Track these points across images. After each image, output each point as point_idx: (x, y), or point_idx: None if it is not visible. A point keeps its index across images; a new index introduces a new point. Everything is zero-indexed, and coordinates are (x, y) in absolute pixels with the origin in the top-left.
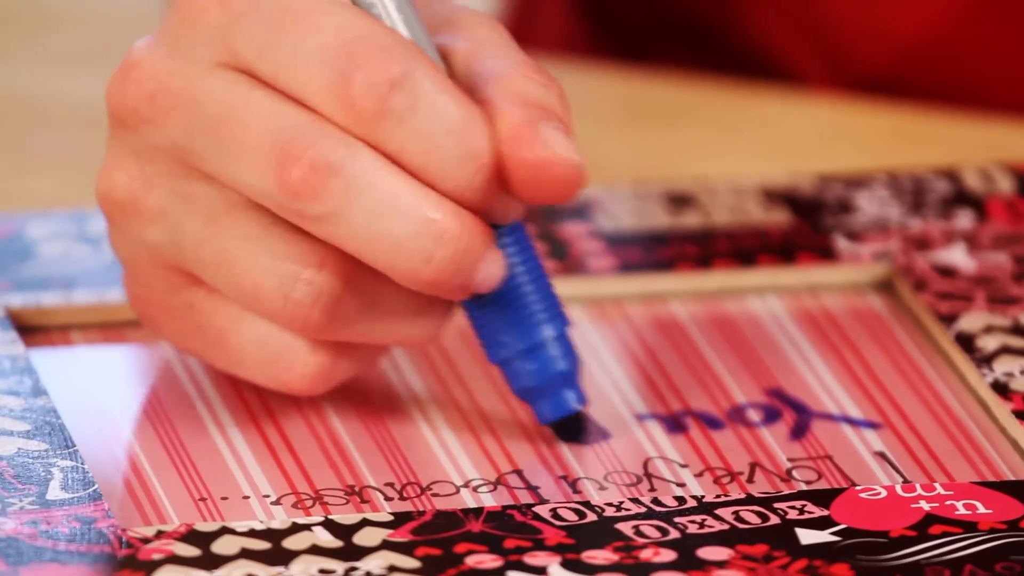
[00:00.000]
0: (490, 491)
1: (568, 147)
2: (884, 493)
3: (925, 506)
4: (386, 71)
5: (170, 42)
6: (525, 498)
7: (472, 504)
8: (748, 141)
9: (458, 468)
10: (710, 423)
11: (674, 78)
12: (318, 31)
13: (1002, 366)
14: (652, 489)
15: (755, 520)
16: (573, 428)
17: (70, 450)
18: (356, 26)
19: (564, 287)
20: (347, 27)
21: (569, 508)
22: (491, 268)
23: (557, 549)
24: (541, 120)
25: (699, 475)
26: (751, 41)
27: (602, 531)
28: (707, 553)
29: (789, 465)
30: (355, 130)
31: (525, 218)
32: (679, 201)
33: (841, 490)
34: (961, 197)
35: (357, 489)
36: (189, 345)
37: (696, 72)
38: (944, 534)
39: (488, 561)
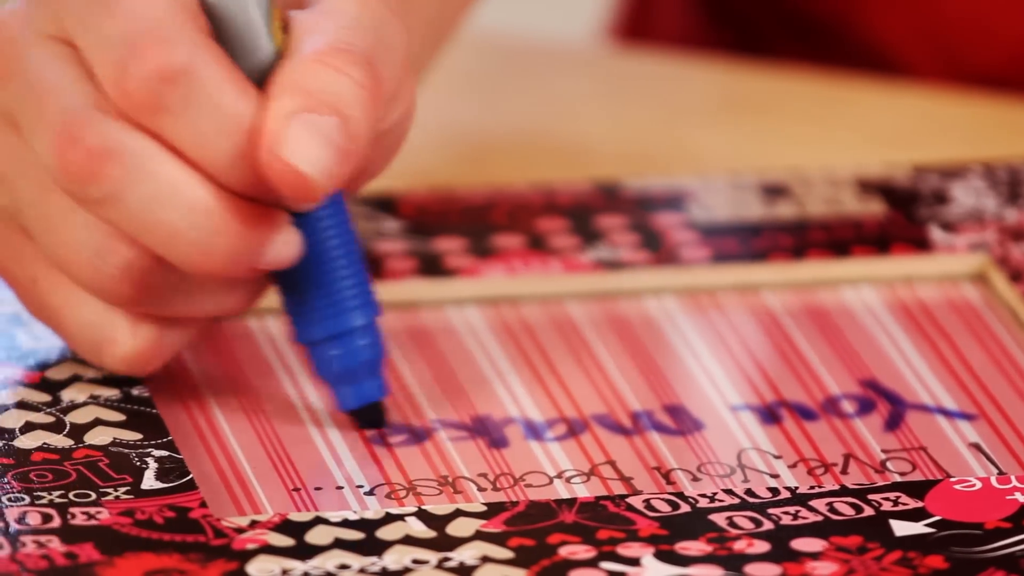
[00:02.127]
0: (583, 482)
1: (309, 153)
2: (979, 485)
3: (1020, 498)
4: (163, 63)
5: (22, 7)
6: (618, 489)
7: (565, 495)
8: (843, 132)
9: (551, 459)
10: (804, 414)
11: (770, 69)
12: (121, 15)
13: None
14: (746, 480)
15: (849, 512)
16: (373, 417)
17: (165, 440)
18: (151, 15)
19: (657, 277)
20: (142, 14)
21: (662, 499)
22: (281, 251)
23: (651, 540)
24: (306, 115)
25: (793, 466)
26: (866, 39)
27: (696, 522)
28: (801, 544)
29: (883, 456)
30: (133, 118)
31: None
32: (774, 192)
33: (936, 482)
34: None
35: (450, 480)
36: (39, 316)
37: (809, 67)
38: None
39: (581, 552)
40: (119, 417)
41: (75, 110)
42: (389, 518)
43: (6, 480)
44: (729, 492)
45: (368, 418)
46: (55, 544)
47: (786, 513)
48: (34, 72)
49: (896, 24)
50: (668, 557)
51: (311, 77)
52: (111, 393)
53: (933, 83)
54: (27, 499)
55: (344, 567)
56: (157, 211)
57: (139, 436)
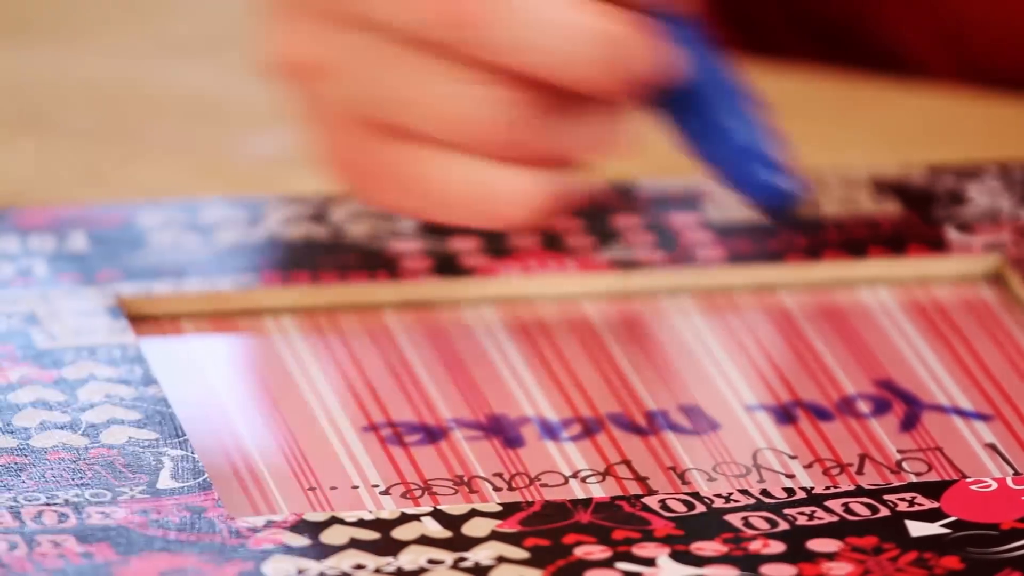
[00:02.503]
0: (599, 482)
1: None
2: (995, 485)
3: None
4: None
5: None
6: (634, 489)
7: (581, 495)
8: (858, 132)
9: (567, 459)
10: (819, 414)
11: (784, 70)
12: None
13: None
14: (761, 480)
15: (865, 512)
16: (788, 212)
17: (180, 439)
18: None
19: (673, 277)
20: None
21: (678, 499)
22: (660, 60)
23: (666, 540)
24: None
25: (808, 466)
26: (881, 39)
27: (711, 522)
28: (816, 545)
29: (899, 457)
30: None
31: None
32: None
33: (952, 482)
34: None
35: (466, 479)
36: (394, 199)
37: (823, 68)
38: None
39: (597, 552)
40: (135, 416)
41: None
42: (404, 518)
43: (22, 479)
44: (744, 492)
45: (783, 214)
46: (71, 544)
47: (802, 513)
48: None
49: (911, 24)
50: (683, 557)
51: None
52: (127, 392)
53: (949, 84)
54: (42, 498)
55: (360, 567)
56: (542, 38)
57: (155, 435)
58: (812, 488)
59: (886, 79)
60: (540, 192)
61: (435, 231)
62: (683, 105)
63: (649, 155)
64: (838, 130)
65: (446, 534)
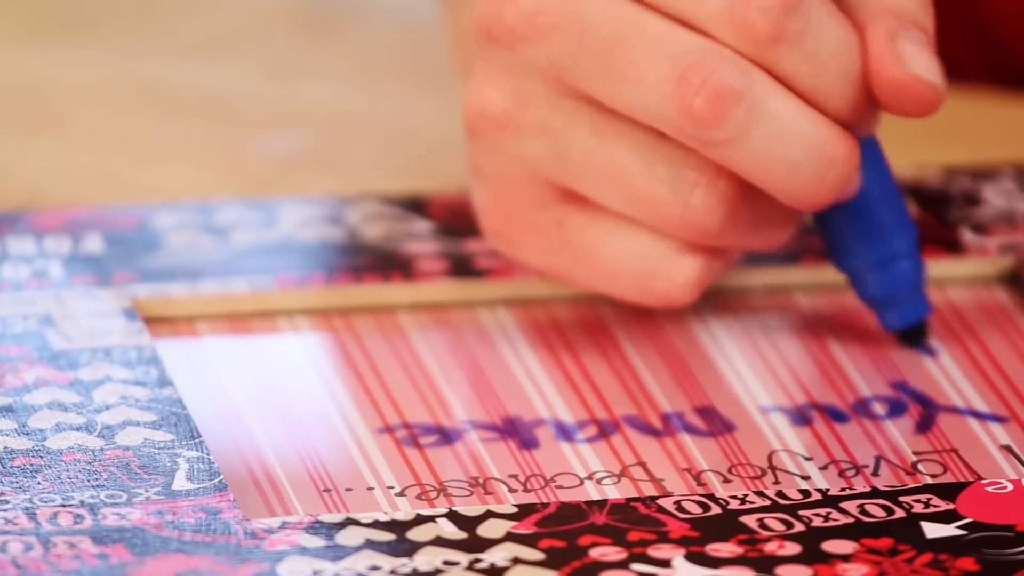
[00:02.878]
0: (614, 483)
1: (926, 65)
2: (1010, 487)
3: None
4: None
5: None
6: (649, 490)
7: (596, 496)
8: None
9: (582, 460)
10: (835, 416)
11: None
12: None
13: None
14: (776, 482)
15: (880, 514)
16: (918, 334)
17: (196, 441)
18: None
19: None
20: None
21: (693, 501)
22: (855, 176)
23: (681, 542)
24: (903, 33)
25: (824, 468)
26: None
27: (726, 524)
28: (832, 546)
29: (914, 459)
30: (748, 53)
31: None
32: None
33: (967, 484)
34: None
35: (481, 481)
36: (552, 262)
37: None
38: None
39: (612, 553)
40: (150, 418)
41: (687, 53)
42: (420, 519)
43: (37, 481)
44: (760, 494)
45: (913, 336)
46: (86, 545)
47: (817, 515)
48: (603, 24)
49: (938, 22)
50: (699, 559)
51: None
52: (142, 394)
53: (975, 83)
54: (58, 500)
55: (375, 568)
56: (778, 147)
57: (170, 437)
58: (827, 490)
59: None
60: (703, 277)
61: (450, 232)
62: (846, 221)
63: None
64: None
65: (461, 535)
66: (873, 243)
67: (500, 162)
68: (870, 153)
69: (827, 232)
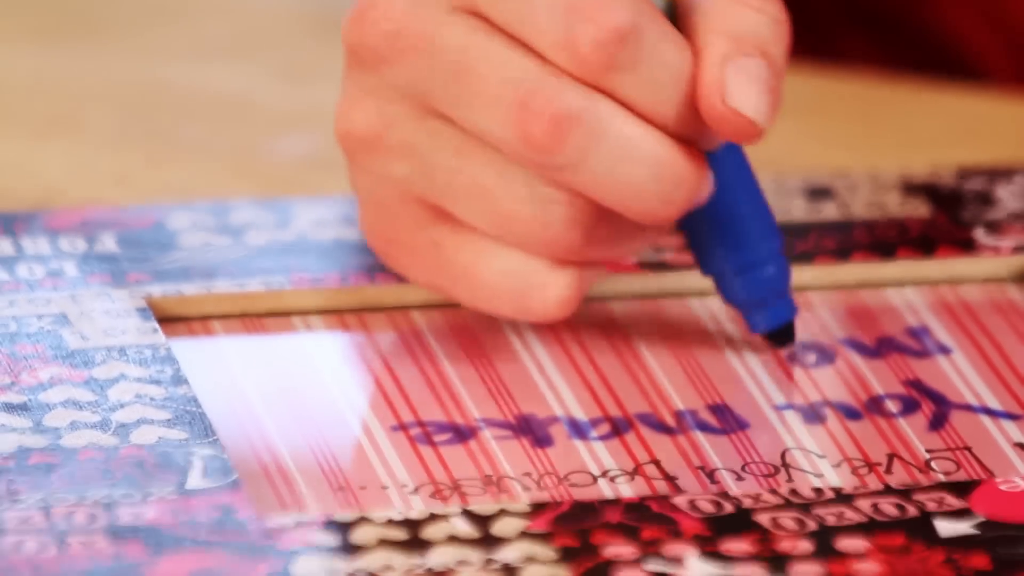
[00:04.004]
0: (628, 481)
1: (750, 98)
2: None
3: None
4: (612, 24)
5: None
6: (663, 488)
7: (610, 495)
8: (888, 133)
9: (596, 458)
10: (848, 414)
11: (820, 68)
12: None
13: None
14: (790, 480)
15: (893, 512)
16: (784, 336)
17: (210, 439)
18: None
19: (701, 278)
20: None
21: (707, 499)
22: (704, 189)
23: (695, 540)
24: (736, 60)
25: (837, 466)
26: (936, 33)
27: (740, 522)
28: (845, 545)
29: (928, 456)
30: (587, 80)
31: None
32: (818, 193)
33: (981, 482)
34: None
35: (495, 479)
36: (433, 281)
37: (879, 65)
38: None
39: (626, 552)
40: (165, 416)
41: (526, 80)
42: (433, 518)
43: (52, 479)
44: (773, 492)
45: (780, 338)
46: (101, 544)
47: (830, 513)
48: (452, 49)
49: (967, 18)
50: (712, 557)
51: (733, 20)
52: (157, 392)
53: (1004, 79)
54: (73, 498)
55: (388, 568)
56: (621, 169)
57: (185, 435)
58: (841, 488)
59: (932, 75)
60: (576, 291)
61: None
62: (708, 226)
63: None
64: (868, 131)
65: (475, 534)
66: (737, 248)
67: (373, 183)
68: (732, 159)
69: (690, 237)
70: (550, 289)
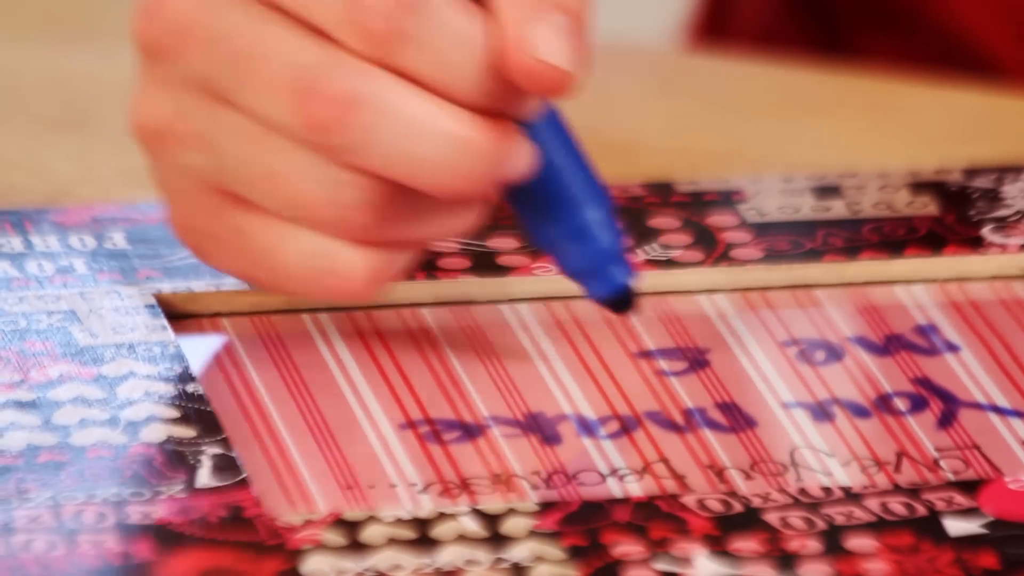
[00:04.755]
0: (637, 480)
1: (555, 49)
2: None
3: None
4: None
5: None
6: (671, 487)
7: (619, 494)
8: (897, 130)
9: (605, 457)
10: (857, 411)
11: (833, 65)
12: None
13: None
14: (799, 479)
15: (902, 511)
16: (625, 302)
17: (219, 437)
18: None
19: (710, 276)
20: None
21: (715, 498)
22: (520, 161)
23: (704, 539)
24: (537, 16)
25: (846, 464)
26: (950, 30)
27: (749, 521)
28: (854, 544)
29: (936, 455)
30: (370, 56)
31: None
32: (827, 191)
33: (989, 480)
34: None
35: (504, 477)
36: (237, 268)
37: (891, 61)
38: None
39: (634, 551)
40: (174, 414)
41: (307, 64)
42: (442, 516)
43: (61, 477)
44: (782, 491)
45: (621, 305)
46: (110, 543)
47: (839, 512)
48: (235, 37)
49: (978, 12)
50: (721, 556)
51: None
52: (166, 390)
53: (1015, 74)
54: (82, 497)
55: (397, 566)
56: (409, 146)
57: (193, 433)
58: (850, 487)
59: (950, 72)
60: (378, 271)
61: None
62: (534, 198)
63: (687, 153)
64: (877, 128)
65: (484, 533)
66: (563, 216)
67: (171, 175)
68: (549, 126)
69: (520, 211)
70: (351, 269)
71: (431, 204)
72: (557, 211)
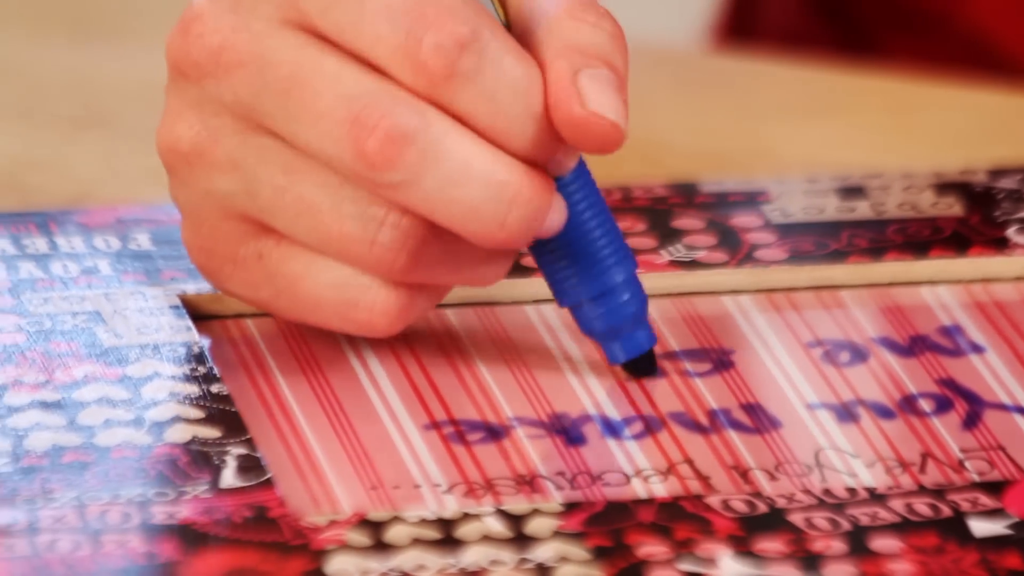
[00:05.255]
0: (661, 481)
1: (607, 103)
2: None
3: None
4: (455, 32)
5: None
6: (696, 488)
7: (643, 494)
8: (921, 131)
9: (629, 458)
10: (881, 412)
11: (859, 66)
12: None
13: None
14: (823, 480)
15: (927, 512)
16: (644, 366)
17: (244, 438)
18: None
19: (734, 276)
20: None
21: (740, 499)
22: (555, 217)
23: (728, 540)
24: (586, 70)
25: (870, 465)
26: (975, 32)
27: (773, 522)
28: (879, 545)
29: (961, 456)
30: (424, 92)
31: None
32: (851, 192)
33: (1014, 481)
34: None
35: (528, 478)
36: (256, 295)
37: (915, 62)
38: None
39: (659, 552)
40: (199, 414)
41: (362, 96)
42: (467, 517)
43: (86, 478)
44: (807, 492)
45: (641, 368)
46: (135, 543)
47: (864, 513)
48: (282, 63)
49: (1004, 15)
50: (746, 557)
51: (575, 35)
52: (191, 390)
53: None
54: (107, 497)
55: (422, 567)
56: (454, 189)
57: (218, 434)
58: (874, 488)
59: (968, 73)
60: (404, 310)
61: None
62: (560, 256)
63: (711, 154)
64: (901, 129)
65: (508, 533)
66: (588, 277)
67: (195, 197)
68: (582, 185)
69: (544, 267)
70: (378, 304)
71: (466, 251)
72: (583, 271)
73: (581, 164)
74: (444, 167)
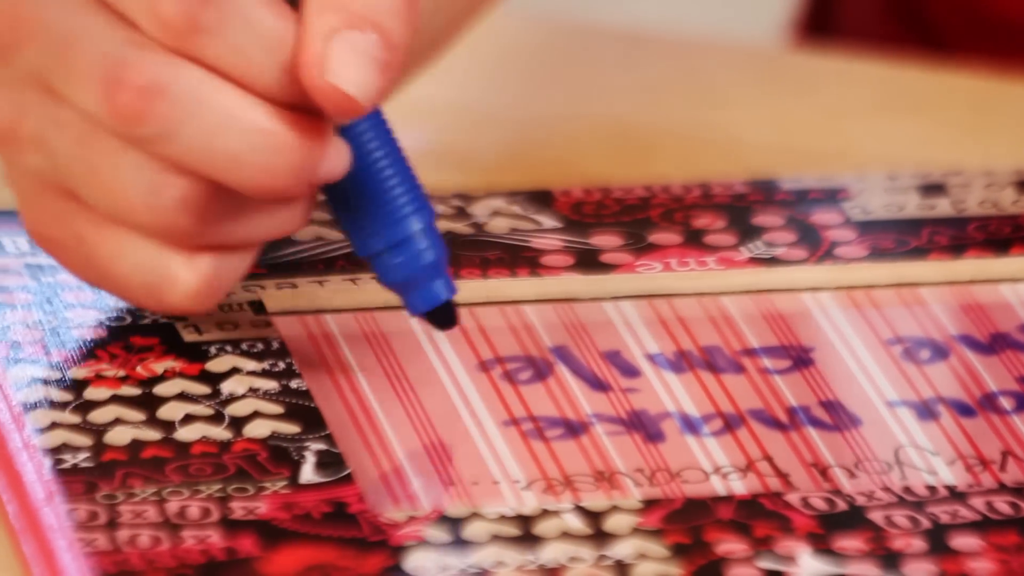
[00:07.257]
0: (740, 478)
1: (350, 73)
2: None
3: None
4: None
5: None
6: (775, 485)
7: (722, 491)
8: (1005, 129)
9: (708, 455)
10: (962, 411)
11: (937, 64)
12: None
13: None
14: (903, 478)
15: (1007, 510)
16: (444, 317)
17: (323, 433)
18: None
19: (814, 274)
20: None
21: (820, 496)
22: (333, 163)
23: (808, 538)
24: (344, 31)
25: (951, 463)
26: None
27: (853, 520)
28: (959, 543)
29: None
30: (172, 45)
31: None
32: (932, 189)
33: None
34: None
35: (607, 475)
36: (87, 277)
37: (991, 60)
38: None
39: (738, 549)
40: (278, 410)
41: (115, 53)
42: (545, 513)
43: (166, 473)
44: (886, 490)
45: (440, 320)
46: (214, 538)
47: (944, 511)
48: (59, 25)
49: None
50: (825, 555)
51: None
52: (270, 386)
53: None
54: (186, 492)
55: (500, 563)
56: (215, 139)
57: (297, 429)
58: (955, 486)
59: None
60: (209, 280)
61: (577, 227)
62: (354, 205)
63: (791, 151)
64: (982, 126)
65: (587, 530)
66: (383, 226)
67: (17, 176)
68: (372, 131)
69: (338, 217)
70: (180, 281)
71: (251, 205)
72: (378, 220)
73: (376, 111)
74: (202, 119)
